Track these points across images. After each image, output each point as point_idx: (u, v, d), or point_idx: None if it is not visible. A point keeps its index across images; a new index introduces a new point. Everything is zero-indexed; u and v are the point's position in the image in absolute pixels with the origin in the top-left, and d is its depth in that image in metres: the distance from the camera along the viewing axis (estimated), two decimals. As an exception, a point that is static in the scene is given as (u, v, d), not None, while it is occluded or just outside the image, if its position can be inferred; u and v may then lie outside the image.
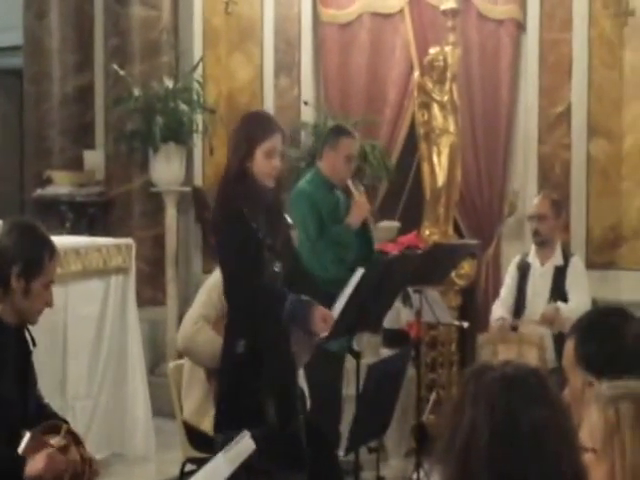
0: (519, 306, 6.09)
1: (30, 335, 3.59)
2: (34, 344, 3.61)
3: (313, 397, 5.28)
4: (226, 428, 3.97)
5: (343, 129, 5.86)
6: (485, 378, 1.85)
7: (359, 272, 4.24)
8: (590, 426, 1.98)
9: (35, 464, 3.28)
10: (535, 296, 6.04)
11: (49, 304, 3.58)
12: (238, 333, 4.04)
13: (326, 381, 5.37)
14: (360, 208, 5.51)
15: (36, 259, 3.43)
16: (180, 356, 4.98)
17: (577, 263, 6.12)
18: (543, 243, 6.07)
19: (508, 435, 1.78)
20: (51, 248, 3.50)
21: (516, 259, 6.28)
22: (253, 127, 4.14)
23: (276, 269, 4.09)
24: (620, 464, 1.93)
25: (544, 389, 1.85)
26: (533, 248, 6.17)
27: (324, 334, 4.83)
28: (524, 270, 6.13)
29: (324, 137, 5.93)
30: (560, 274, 6.03)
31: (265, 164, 4.06)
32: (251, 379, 3.98)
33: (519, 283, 6.13)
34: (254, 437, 3.61)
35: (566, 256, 6.11)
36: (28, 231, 3.51)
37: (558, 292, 5.97)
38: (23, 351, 3.56)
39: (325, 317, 4.00)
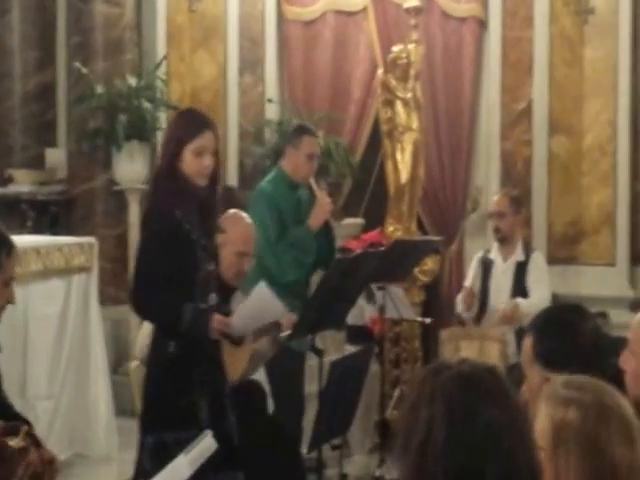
0: (482, 302, 6.14)
1: None
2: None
3: (276, 395, 5.30)
4: (157, 429, 3.92)
5: (305, 128, 5.87)
6: (441, 377, 1.85)
7: (261, 285, 4.18)
8: (539, 425, 2.00)
9: None
10: (497, 292, 6.09)
11: (10, 301, 3.54)
12: (168, 334, 3.96)
13: (288, 379, 5.38)
14: (322, 209, 5.51)
15: None
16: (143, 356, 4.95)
17: (538, 259, 6.18)
18: (504, 240, 6.13)
19: (465, 433, 1.78)
20: (8, 244, 3.44)
21: (478, 255, 6.33)
22: (182, 125, 4.05)
23: (210, 268, 4.02)
24: (565, 476, 1.94)
25: (500, 387, 1.85)
26: (495, 244, 6.22)
27: (287, 332, 4.87)
28: (486, 266, 6.18)
29: (287, 137, 5.94)
30: (521, 270, 6.09)
31: (194, 163, 3.94)
32: (182, 380, 3.92)
33: (482, 279, 6.18)
34: (186, 438, 3.62)
35: (527, 252, 6.17)
36: None
37: (519, 288, 6.03)
38: None
39: (221, 323, 3.92)
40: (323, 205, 5.51)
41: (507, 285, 6.08)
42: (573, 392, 2.03)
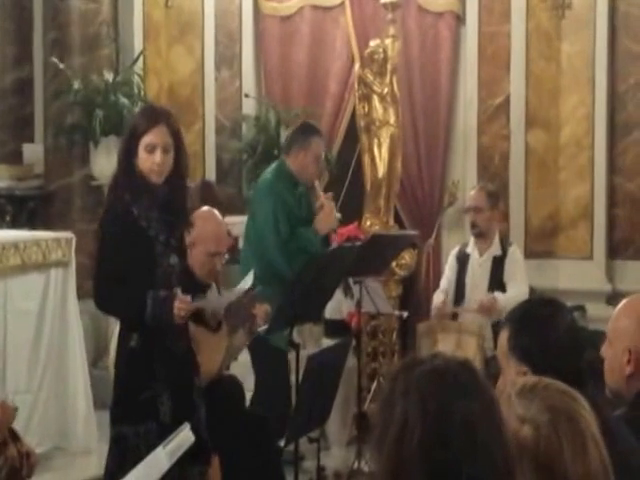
0: (458, 296, 6.17)
1: None
2: None
3: (259, 390, 5.32)
4: (121, 423, 3.94)
5: (313, 128, 5.83)
6: (415, 372, 1.84)
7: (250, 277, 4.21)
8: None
9: None
10: (474, 286, 6.12)
11: None
12: (134, 327, 3.95)
13: (274, 375, 5.40)
14: (328, 216, 5.49)
15: None
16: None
17: (515, 253, 6.21)
18: (481, 234, 6.16)
19: (440, 428, 1.78)
20: None
21: (455, 250, 6.36)
22: (136, 121, 4.01)
23: (172, 262, 3.98)
24: None
25: (474, 381, 1.85)
26: (472, 239, 6.25)
27: (264, 326, 4.89)
28: (463, 261, 6.20)
29: (292, 134, 5.87)
30: (498, 264, 6.12)
31: (145, 159, 3.89)
32: (144, 374, 3.92)
33: (458, 274, 6.20)
34: (144, 431, 3.63)
35: (504, 246, 6.20)
36: None
37: (496, 282, 6.05)
38: None
39: (182, 302, 3.87)
40: (329, 213, 5.49)
41: (484, 279, 6.11)
42: (527, 405, 2.03)
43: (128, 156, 3.93)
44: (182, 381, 4.03)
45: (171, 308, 3.85)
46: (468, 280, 6.16)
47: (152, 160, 3.88)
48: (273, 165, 5.80)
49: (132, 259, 3.88)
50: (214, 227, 4.60)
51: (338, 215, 5.70)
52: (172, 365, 3.97)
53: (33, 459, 3.62)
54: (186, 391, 4.03)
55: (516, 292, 5.79)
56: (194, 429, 3.95)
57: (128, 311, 3.94)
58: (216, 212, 4.71)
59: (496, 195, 6.32)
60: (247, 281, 4.21)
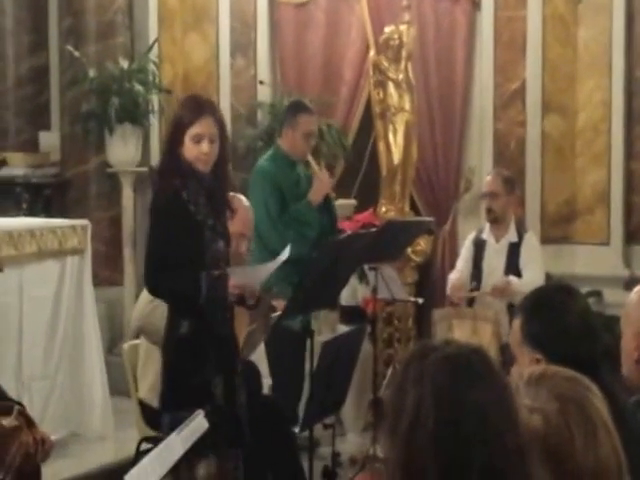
0: (475, 282, 6.14)
1: None
2: None
3: (276, 375, 5.33)
4: (173, 408, 3.98)
5: (301, 105, 5.86)
6: (428, 359, 1.82)
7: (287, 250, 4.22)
8: None
9: None
10: (490, 272, 6.09)
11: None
12: (181, 314, 4.02)
13: (290, 360, 5.41)
14: (321, 183, 5.53)
15: None
16: (137, 336, 4.98)
17: (531, 239, 6.18)
18: (496, 220, 6.13)
19: (453, 415, 1.76)
20: None
21: (471, 236, 6.33)
22: (182, 112, 4.06)
23: (219, 247, 4.07)
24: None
25: (487, 368, 1.83)
26: (487, 225, 6.23)
27: (278, 312, 4.90)
28: (479, 247, 6.18)
29: (283, 114, 5.92)
30: (514, 250, 6.09)
31: (193, 149, 3.97)
32: (195, 359, 3.98)
33: (475, 259, 6.18)
34: (205, 413, 3.66)
35: (520, 232, 6.17)
36: None
37: (513, 268, 6.03)
38: None
39: (239, 286, 3.97)
40: (322, 180, 5.53)
41: (500, 265, 6.09)
42: (535, 395, 2.02)
43: (174, 146, 4.00)
44: (229, 365, 4.08)
45: (225, 287, 3.93)
46: (484, 266, 6.14)
47: (199, 150, 3.97)
48: (269, 151, 5.81)
49: (183, 243, 3.94)
50: (242, 210, 4.65)
51: (331, 180, 5.69)
52: (221, 349, 4.03)
53: (48, 445, 3.63)
54: (232, 375, 4.09)
55: (531, 278, 5.77)
56: (236, 413, 4.03)
57: (183, 292, 3.98)
58: (242, 197, 4.75)
59: (512, 181, 6.29)
60: (284, 254, 4.24)
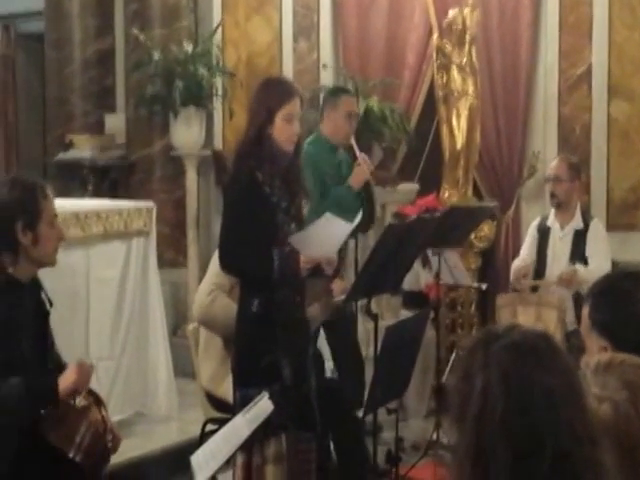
0: (540, 269, 6.09)
1: (46, 296, 3.62)
2: (51, 304, 3.63)
3: (340, 359, 5.35)
4: (244, 386, 4.04)
5: (341, 88, 5.90)
6: (493, 345, 1.81)
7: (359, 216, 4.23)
8: None
9: (67, 378, 3.38)
10: (555, 259, 6.03)
11: (62, 238, 3.61)
12: (252, 292, 4.07)
13: (352, 343, 5.43)
14: (361, 169, 5.51)
15: (32, 205, 3.44)
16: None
17: (597, 227, 6.10)
18: (559, 205, 6.07)
19: (521, 403, 1.75)
20: (40, 187, 3.51)
21: (536, 222, 6.27)
22: (272, 93, 4.13)
23: (291, 230, 4.11)
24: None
25: (554, 353, 1.82)
26: (552, 211, 6.17)
27: (341, 297, 4.91)
28: (544, 233, 6.12)
29: (323, 100, 5.92)
30: (580, 238, 6.02)
31: (285, 129, 4.07)
32: (266, 338, 4.02)
33: (539, 246, 6.12)
34: (272, 392, 3.70)
35: (586, 220, 6.10)
36: (13, 185, 3.51)
37: (578, 256, 5.96)
38: (41, 312, 3.58)
39: (305, 261, 4.01)
40: (363, 165, 5.51)
41: (565, 252, 6.02)
42: (603, 384, 2.00)
43: (261, 126, 4.06)
44: (299, 348, 4.11)
45: (297, 261, 3.98)
46: (549, 253, 6.08)
47: (291, 130, 4.09)
48: (311, 136, 5.79)
49: (257, 223, 4.00)
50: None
51: (371, 165, 5.66)
52: (292, 332, 4.07)
53: (116, 440, 3.67)
54: (302, 357, 4.13)
55: (598, 266, 5.71)
56: (306, 396, 4.07)
57: (256, 268, 4.04)
58: None
59: (577, 167, 6.22)
60: (357, 219, 4.28)
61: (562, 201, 6.06)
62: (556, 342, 1.86)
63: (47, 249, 3.51)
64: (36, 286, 3.58)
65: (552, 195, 6.13)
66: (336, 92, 5.79)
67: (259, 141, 4.06)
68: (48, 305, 3.62)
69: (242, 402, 3.89)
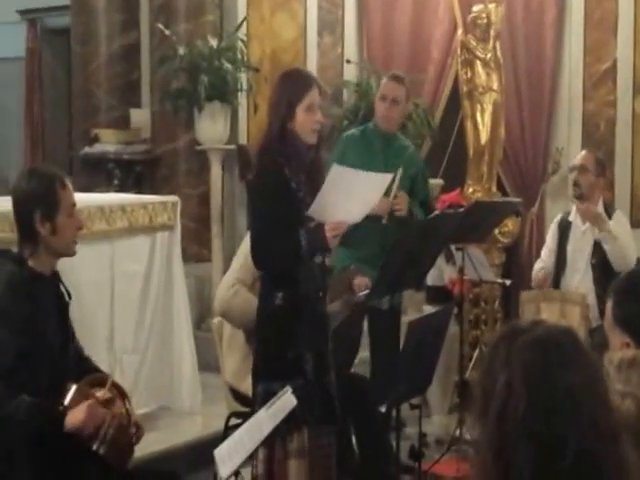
0: (560, 264, 6.04)
1: (65, 288, 3.63)
2: (69, 297, 3.64)
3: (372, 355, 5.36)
4: (266, 380, 4.02)
5: (390, 74, 5.82)
6: (517, 341, 1.81)
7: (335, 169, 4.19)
8: None
9: (76, 415, 3.31)
10: (576, 254, 5.96)
11: (80, 227, 3.61)
12: (277, 286, 4.05)
13: (383, 339, 5.41)
14: (385, 203, 5.05)
15: (50, 196, 3.44)
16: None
17: (620, 217, 5.97)
18: (582, 197, 5.97)
19: (544, 398, 1.76)
20: (58, 177, 3.51)
21: (557, 218, 6.21)
22: (290, 86, 4.12)
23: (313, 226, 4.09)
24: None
25: (578, 349, 1.82)
26: (574, 207, 6.11)
27: (364, 291, 4.91)
28: (565, 229, 6.06)
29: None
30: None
31: (308, 120, 4.05)
32: (289, 332, 4.02)
33: (560, 241, 6.07)
34: (297, 386, 3.71)
35: (609, 213, 6.03)
36: (30, 176, 3.52)
37: (600, 250, 5.91)
38: (61, 304, 3.60)
39: (333, 228, 3.97)
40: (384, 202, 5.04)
41: (587, 247, 5.93)
42: (626, 380, 2.00)
43: (285, 121, 4.04)
44: (320, 342, 4.11)
45: (324, 235, 3.96)
46: (570, 248, 6.02)
47: (313, 119, 4.07)
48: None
49: (284, 218, 3.97)
50: None
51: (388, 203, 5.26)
52: (314, 326, 4.07)
53: (140, 432, 3.68)
54: (323, 351, 4.12)
55: (626, 241, 5.69)
56: (327, 390, 4.07)
57: (285, 253, 4.00)
58: None
59: (603, 163, 6.15)
60: (387, 177, 4.27)
61: (584, 192, 5.95)
62: (580, 338, 1.86)
63: (66, 239, 3.51)
64: (56, 278, 3.60)
65: (575, 184, 5.99)
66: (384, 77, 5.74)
67: (282, 137, 4.04)
68: (67, 297, 3.62)
69: (264, 396, 3.89)
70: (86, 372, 3.63)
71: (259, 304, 4.16)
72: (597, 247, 5.89)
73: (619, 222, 5.98)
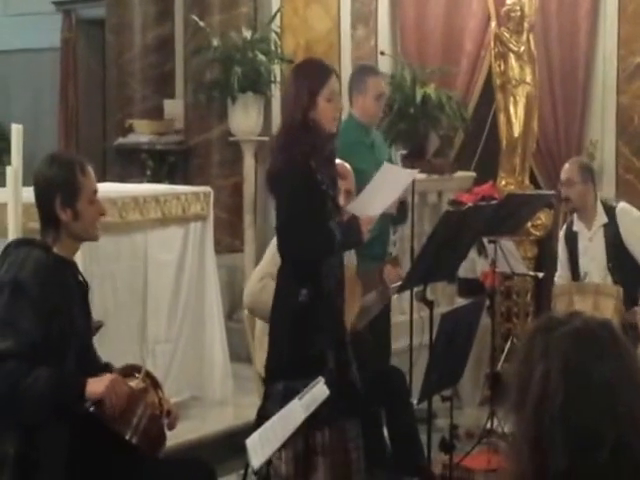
0: (575, 276, 5.90)
1: (82, 276, 3.63)
2: (86, 284, 3.63)
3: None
4: (291, 377, 3.97)
5: (367, 68, 5.79)
6: (554, 332, 1.80)
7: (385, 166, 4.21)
8: None
9: (97, 384, 3.29)
10: (591, 261, 5.84)
11: (102, 213, 3.60)
12: (301, 282, 4.02)
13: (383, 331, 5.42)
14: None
15: (70, 181, 3.44)
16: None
17: (623, 208, 5.87)
18: (574, 210, 5.88)
19: (581, 390, 1.75)
20: (79, 163, 3.51)
21: (562, 231, 6.10)
22: (310, 76, 4.11)
23: (337, 219, 4.07)
24: None
25: (615, 341, 1.80)
26: (575, 215, 6.01)
27: (397, 284, 4.91)
28: (572, 241, 5.92)
29: (350, 81, 5.79)
30: (610, 231, 5.81)
31: (329, 108, 4.05)
32: (312, 329, 4.00)
33: (570, 254, 5.96)
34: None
35: (609, 211, 5.89)
36: (51, 162, 3.52)
37: (614, 248, 5.79)
38: (81, 289, 3.61)
39: (367, 222, 4.03)
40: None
41: (600, 251, 5.77)
42: None
43: (305, 111, 4.03)
44: (341, 336, 4.12)
45: (359, 228, 3.99)
46: (581, 257, 5.91)
47: (335, 107, 4.10)
48: (343, 121, 5.71)
49: (314, 211, 3.98)
50: (346, 168, 4.71)
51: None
52: (335, 320, 4.07)
53: (173, 417, 3.69)
54: (344, 346, 4.12)
55: None
56: (350, 382, 4.08)
57: (320, 247, 4.00)
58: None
59: (589, 169, 5.99)
60: (413, 172, 4.31)
61: (576, 205, 5.85)
62: (617, 330, 1.85)
63: (87, 225, 3.50)
64: (74, 264, 3.60)
65: (566, 199, 5.93)
66: (362, 74, 5.62)
67: (306, 126, 4.02)
68: (85, 285, 3.62)
69: (286, 394, 3.83)
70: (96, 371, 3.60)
71: (277, 301, 4.13)
72: (611, 247, 5.78)
73: (624, 212, 5.78)
